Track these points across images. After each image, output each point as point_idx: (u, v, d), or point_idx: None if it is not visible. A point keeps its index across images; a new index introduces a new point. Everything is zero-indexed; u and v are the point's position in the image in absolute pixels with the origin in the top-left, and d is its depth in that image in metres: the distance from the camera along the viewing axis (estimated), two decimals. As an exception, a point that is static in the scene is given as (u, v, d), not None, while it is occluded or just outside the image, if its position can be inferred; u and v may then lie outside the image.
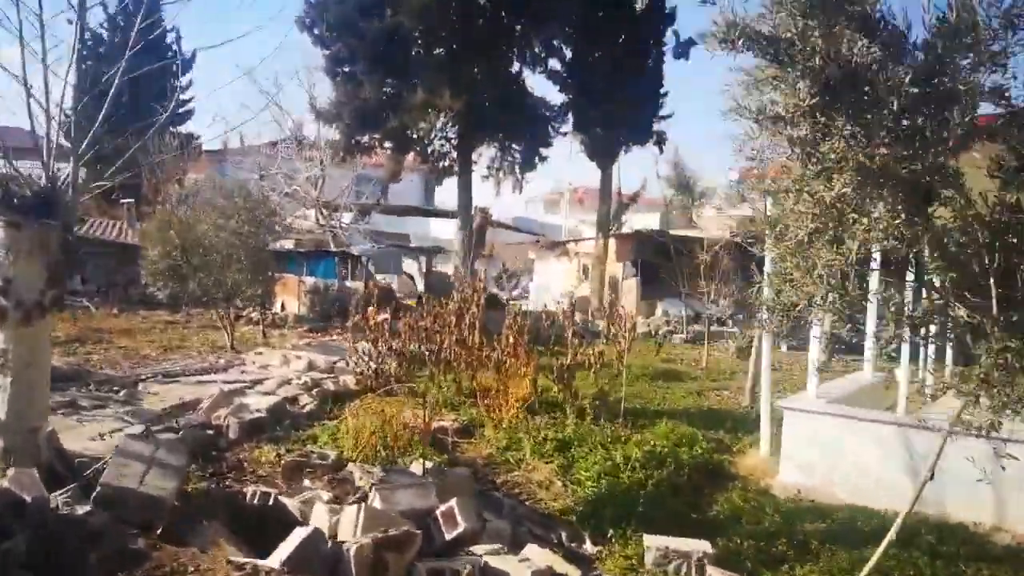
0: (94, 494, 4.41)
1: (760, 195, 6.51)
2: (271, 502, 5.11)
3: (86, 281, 23.30)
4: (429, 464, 5.96)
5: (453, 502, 4.74)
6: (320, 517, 4.76)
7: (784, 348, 19.52)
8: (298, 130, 24.97)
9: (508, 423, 7.94)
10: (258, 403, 8.38)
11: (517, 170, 23.01)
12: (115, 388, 8.98)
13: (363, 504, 4.77)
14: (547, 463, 6.76)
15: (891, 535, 4.30)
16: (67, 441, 5.94)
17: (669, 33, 22.57)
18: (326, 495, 5.19)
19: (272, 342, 15.23)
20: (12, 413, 5.11)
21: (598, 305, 23.50)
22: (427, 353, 9.88)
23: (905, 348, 7.51)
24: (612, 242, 23.89)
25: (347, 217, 26.83)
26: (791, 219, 3.80)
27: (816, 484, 6.41)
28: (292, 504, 5.08)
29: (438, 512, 4.76)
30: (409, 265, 26.31)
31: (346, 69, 19.77)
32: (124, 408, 7.81)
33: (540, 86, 61.20)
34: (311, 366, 11.05)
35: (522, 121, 20.79)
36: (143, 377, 9.71)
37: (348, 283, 18.62)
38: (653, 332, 21.07)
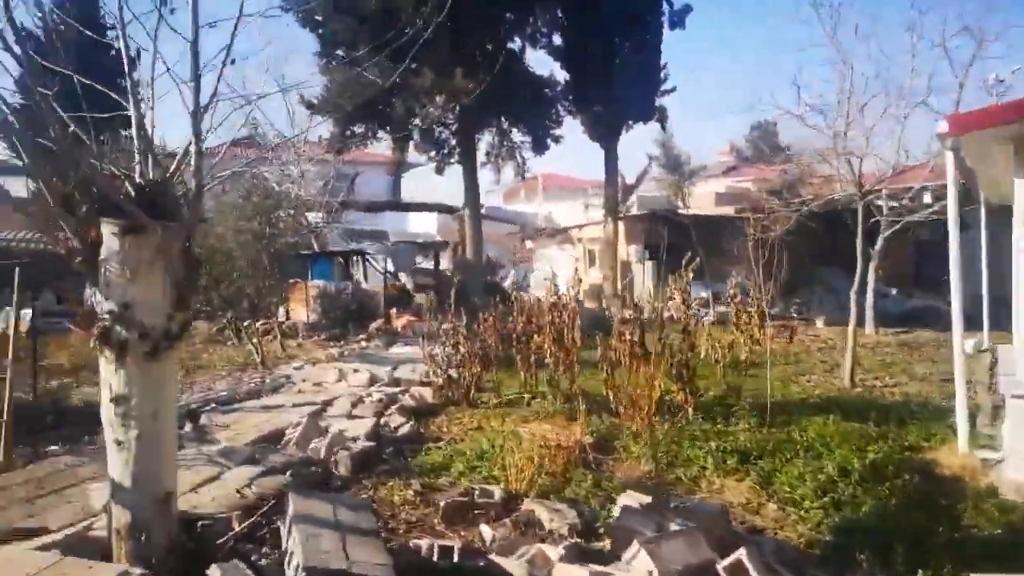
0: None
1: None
2: (483, 563, 4.01)
3: (61, 300, 21.35)
4: (642, 496, 4.88)
5: (741, 554, 3.70)
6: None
7: (820, 324, 19.02)
8: (271, 128, 23.31)
9: (647, 433, 6.92)
10: (350, 429, 7.19)
11: (518, 155, 21.86)
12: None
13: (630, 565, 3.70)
14: (737, 480, 5.76)
15: None
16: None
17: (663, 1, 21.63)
18: (553, 551, 4.08)
19: (294, 354, 13.88)
20: (139, 477, 3.87)
21: (612, 291, 22.62)
22: (518, 357, 8.76)
23: None
24: (621, 225, 22.97)
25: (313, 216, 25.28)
26: None
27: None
28: (512, 565, 3.97)
29: (720, 567, 3.72)
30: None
31: (340, 53, 18.28)
32: (204, 447, 6.53)
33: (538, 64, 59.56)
34: (373, 379, 9.82)
35: (527, 102, 19.64)
36: (200, 407, 8.36)
37: (364, 284, 17.26)
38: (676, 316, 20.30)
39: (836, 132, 12.63)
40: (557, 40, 21.11)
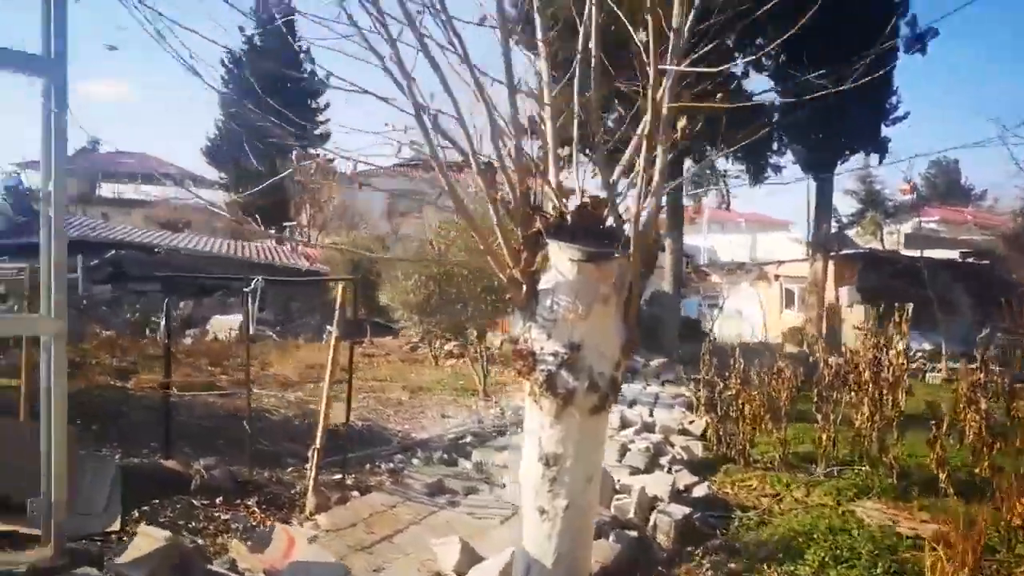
0: None
1: None
2: None
3: (263, 309, 22.42)
4: None
5: None
6: None
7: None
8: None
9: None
10: (648, 486, 6.33)
11: (723, 184, 20.57)
12: (444, 456, 7.17)
13: None
14: None
15: None
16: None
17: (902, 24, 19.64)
18: None
19: (501, 381, 13.36)
20: (563, 556, 3.17)
21: (816, 335, 20.72)
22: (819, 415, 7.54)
23: None
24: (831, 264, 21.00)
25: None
26: None
27: None
28: None
29: None
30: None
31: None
32: (495, 491, 5.91)
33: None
34: (624, 422, 8.98)
35: (745, 128, 18.35)
36: (457, 440, 7.87)
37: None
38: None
39: None
40: (779, 60, 19.71)
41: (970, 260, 22.48)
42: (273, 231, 37.17)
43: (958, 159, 44.21)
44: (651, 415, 9.45)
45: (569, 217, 3.16)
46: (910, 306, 7.10)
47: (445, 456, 7.17)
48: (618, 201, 3.38)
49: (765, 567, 5.03)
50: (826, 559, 5.05)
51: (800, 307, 22.43)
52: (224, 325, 18.59)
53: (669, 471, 6.96)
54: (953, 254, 23.36)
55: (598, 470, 3.28)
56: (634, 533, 5.40)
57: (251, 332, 7.23)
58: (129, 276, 19.13)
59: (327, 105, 38.55)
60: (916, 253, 21.88)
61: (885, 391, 7.00)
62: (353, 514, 4.88)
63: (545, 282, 3.13)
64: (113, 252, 20.01)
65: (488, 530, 5.02)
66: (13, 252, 18.35)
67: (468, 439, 7.94)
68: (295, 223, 27.86)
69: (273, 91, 33.68)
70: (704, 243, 40.55)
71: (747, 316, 24.63)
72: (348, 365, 6.00)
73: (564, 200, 3.23)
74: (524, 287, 3.14)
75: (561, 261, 3.06)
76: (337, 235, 32.27)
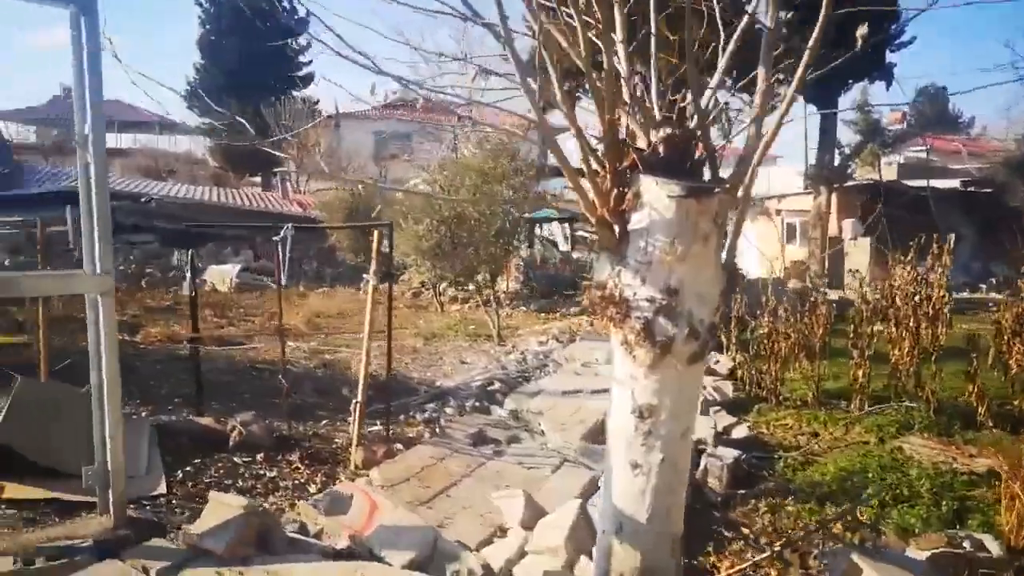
0: None
1: None
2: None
3: (259, 258, 22.00)
4: None
5: None
6: None
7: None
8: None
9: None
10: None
11: (723, 116, 20.04)
12: (476, 404, 7.03)
13: None
14: None
15: None
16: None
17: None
18: None
19: (512, 325, 13.19)
20: (657, 512, 3.01)
21: (819, 270, 20.65)
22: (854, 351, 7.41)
23: None
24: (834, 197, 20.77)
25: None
26: None
27: None
28: None
29: None
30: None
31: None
32: (537, 439, 5.78)
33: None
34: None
35: (747, 55, 17.80)
36: (486, 387, 7.71)
37: (575, 253, 16.37)
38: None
39: None
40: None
41: (971, 189, 22.32)
42: (260, 178, 36.39)
43: (946, 86, 43.47)
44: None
45: (661, 149, 2.89)
46: (952, 237, 6.90)
47: (476, 404, 7.02)
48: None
49: (824, 508, 4.96)
50: (887, 498, 4.98)
51: (802, 242, 22.31)
52: (221, 276, 18.23)
53: (706, 412, 6.85)
54: (951, 183, 23.15)
55: (693, 422, 3.10)
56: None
57: (282, 281, 6.94)
58: (122, 227, 18.61)
59: (309, 44, 37.27)
60: (917, 183, 21.67)
61: (924, 325, 6.87)
62: (404, 468, 4.72)
63: (636, 221, 2.86)
64: (102, 203, 19.43)
65: (540, 480, 4.89)
66: (-3, 205, 17.79)
67: (496, 386, 7.78)
68: (284, 169, 27.16)
69: (249, 33, 32.35)
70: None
71: (750, 252, 24.47)
72: (387, 315, 5.74)
73: (657, 131, 2.94)
74: (615, 228, 2.88)
75: (658, 198, 2.79)
76: (326, 180, 31.59)
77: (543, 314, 14.72)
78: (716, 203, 2.84)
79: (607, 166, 2.90)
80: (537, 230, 21.80)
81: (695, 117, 3.03)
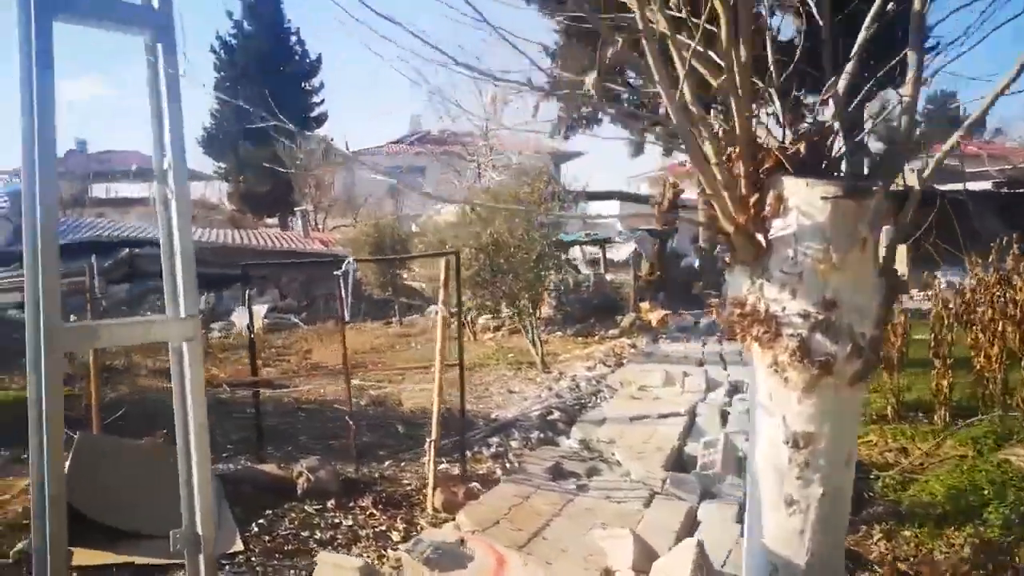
0: None
1: None
2: None
3: (285, 296, 21.83)
4: None
5: None
6: None
7: None
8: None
9: None
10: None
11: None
12: (541, 436, 6.70)
13: None
14: None
15: None
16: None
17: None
18: None
19: (552, 351, 12.85)
20: (817, 555, 2.68)
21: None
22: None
23: None
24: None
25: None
26: None
27: None
28: None
29: None
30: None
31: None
32: (617, 471, 5.45)
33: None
34: (710, 384, 8.51)
35: (775, 69, 17.71)
36: (545, 416, 7.38)
37: (608, 275, 16.07)
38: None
39: None
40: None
41: (1003, 191, 21.94)
42: (277, 218, 36.48)
43: (956, 91, 43.28)
44: (725, 371, 9.01)
45: (802, 148, 2.61)
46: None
47: (541, 435, 6.69)
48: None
49: (943, 531, 4.59)
50: (1011, 517, 4.59)
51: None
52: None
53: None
54: (983, 185, 22.81)
55: (855, 449, 2.78)
56: (784, 505, 4.94)
57: (346, 318, 6.69)
58: (147, 274, 18.58)
59: (322, 85, 37.63)
60: (950, 187, 21.29)
61: (1011, 328, 6.50)
62: (490, 509, 4.39)
63: (780, 228, 2.57)
64: (127, 251, 19.41)
65: (633, 515, 4.55)
66: (20, 259, 17.77)
67: (555, 415, 7.45)
68: (304, 208, 27.14)
69: (265, 75, 32.72)
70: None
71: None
72: (458, 348, 5.45)
73: (795, 127, 2.67)
74: (759, 238, 2.59)
75: (807, 200, 2.50)
76: (343, 218, 31.59)
77: (580, 338, 14.38)
78: (874, 204, 2.55)
79: (744, 169, 2.63)
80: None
81: (833, 109, 2.77)
